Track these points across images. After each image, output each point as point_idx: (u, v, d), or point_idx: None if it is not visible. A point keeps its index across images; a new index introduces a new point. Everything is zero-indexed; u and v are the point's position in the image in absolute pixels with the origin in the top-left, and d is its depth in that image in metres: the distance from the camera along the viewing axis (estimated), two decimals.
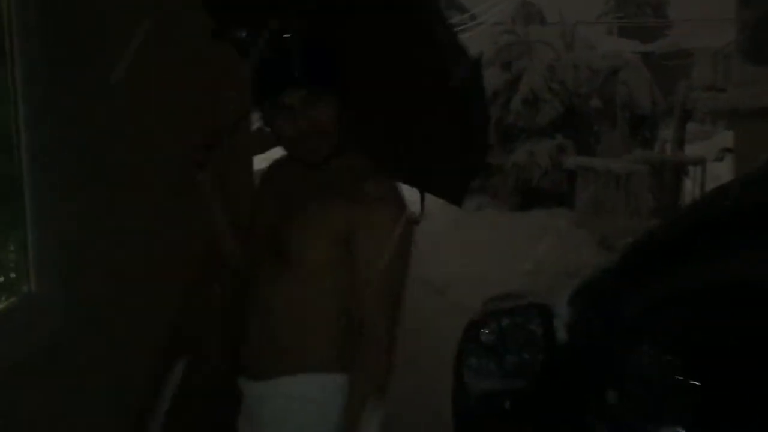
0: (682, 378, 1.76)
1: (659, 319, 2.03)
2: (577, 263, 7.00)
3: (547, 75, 9.20)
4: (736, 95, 6.94)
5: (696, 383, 1.73)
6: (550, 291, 2.91)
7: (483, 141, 1.71)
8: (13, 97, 1.62)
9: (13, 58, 1.62)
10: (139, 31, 1.90)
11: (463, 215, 11.22)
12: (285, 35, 1.44)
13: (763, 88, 6.54)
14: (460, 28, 27.04)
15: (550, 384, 2.13)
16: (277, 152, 1.69)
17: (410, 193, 1.60)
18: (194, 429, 2.44)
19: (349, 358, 1.52)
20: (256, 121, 2.38)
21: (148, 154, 2.20)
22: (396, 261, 1.49)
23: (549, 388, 2.11)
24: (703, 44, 28.85)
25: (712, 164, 8.31)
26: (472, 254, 8.26)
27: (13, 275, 1.68)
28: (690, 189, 8.22)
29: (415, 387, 4.70)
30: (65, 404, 1.71)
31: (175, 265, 2.46)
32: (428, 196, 1.61)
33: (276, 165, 1.72)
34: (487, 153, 2.10)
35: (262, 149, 4.44)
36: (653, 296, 2.12)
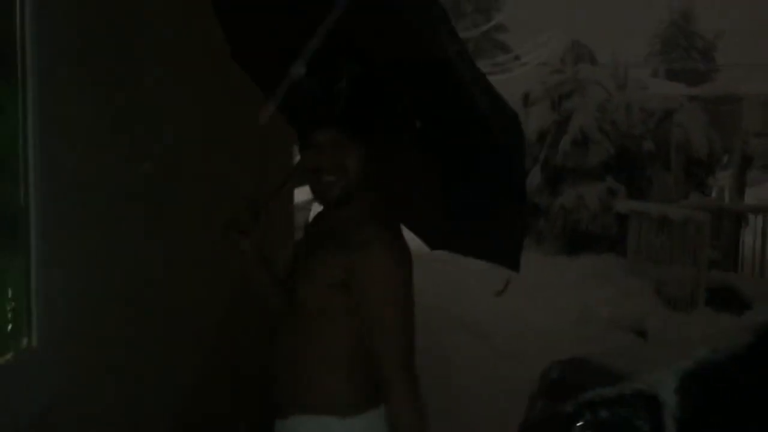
0: None
1: None
2: (631, 313, 6.61)
3: (598, 115, 8.89)
4: None
5: None
6: (633, 359, 2.56)
7: (523, 196, 1.72)
8: (22, 123, 1.42)
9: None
10: None
11: None
12: (337, 79, 1.54)
13: None
14: (503, 67, 26.93)
15: None
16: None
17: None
18: None
19: (376, 398, 1.58)
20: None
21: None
22: (396, 306, 1.54)
23: None
24: (753, 90, 28.22)
25: None
26: (516, 299, 7.90)
27: (10, 327, 1.45)
28: (750, 239, 7.77)
29: None
30: None
31: (189, 316, 2.33)
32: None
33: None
34: (527, 208, 1.95)
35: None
36: None
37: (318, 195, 1.64)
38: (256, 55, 1.88)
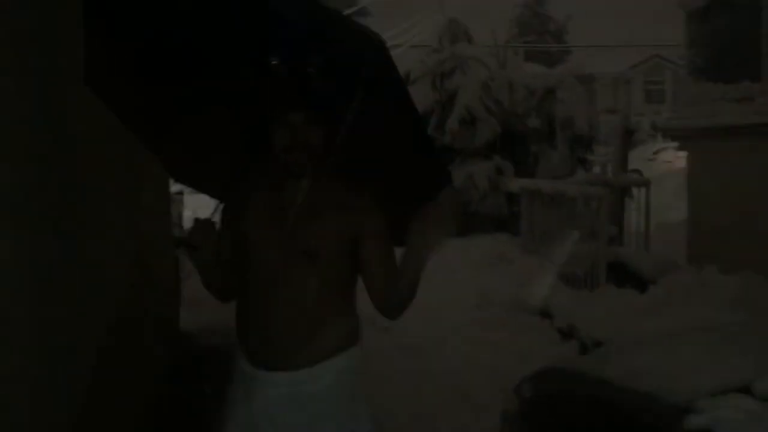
0: None
1: None
2: (530, 293, 6.49)
3: (482, 94, 8.75)
4: (689, 114, 6.65)
5: None
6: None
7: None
8: None
9: None
10: None
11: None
12: (307, 68, 1.86)
13: (719, 106, 6.28)
14: None
15: None
16: None
17: None
18: None
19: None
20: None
21: None
22: (391, 254, 1.95)
23: None
24: (602, 70, 29.74)
25: (660, 188, 8.04)
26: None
27: None
28: (633, 214, 7.90)
29: None
30: None
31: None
32: None
33: (247, 187, 2.04)
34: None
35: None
36: None
37: (289, 168, 1.94)
38: (114, 79, 2.06)
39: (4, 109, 1.94)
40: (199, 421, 4.05)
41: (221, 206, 2.09)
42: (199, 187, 2.52)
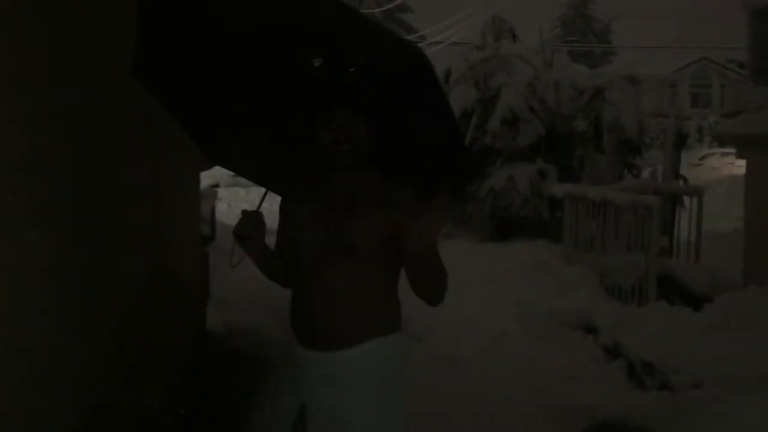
0: None
1: None
2: (575, 307, 6.11)
3: (527, 94, 8.38)
4: (749, 120, 6.21)
5: None
6: None
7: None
8: None
9: None
10: None
11: None
12: (350, 69, 1.98)
13: None
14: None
15: None
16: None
17: None
18: None
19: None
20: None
21: None
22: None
23: None
24: (649, 72, 28.97)
25: (708, 195, 7.59)
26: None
27: None
28: (685, 224, 7.46)
29: None
30: None
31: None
32: None
33: (299, 186, 2.18)
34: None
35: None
36: None
37: (334, 163, 2.04)
38: (165, 74, 2.16)
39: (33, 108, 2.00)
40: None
41: (267, 194, 2.27)
42: (242, 172, 2.57)
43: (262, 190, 2.33)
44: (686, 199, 7.53)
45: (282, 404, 2.16)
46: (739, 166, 26.86)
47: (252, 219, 2.11)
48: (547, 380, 5.05)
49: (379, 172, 2.09)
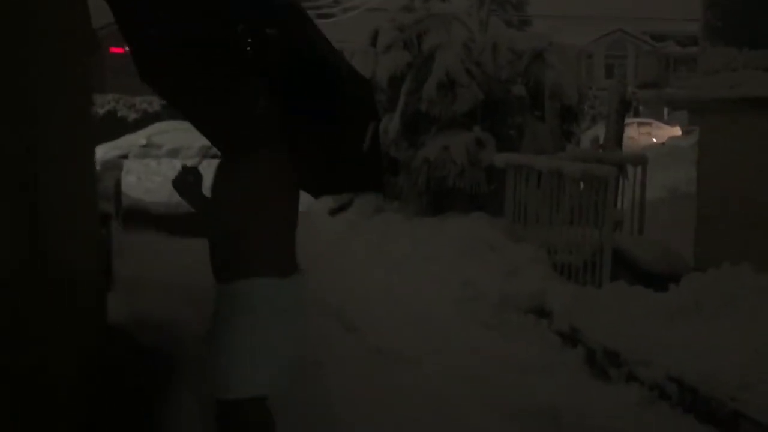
0: None
1: None
2: (524, 288, 5.60)
3: (463, 57, 7.77)
4: (704, 84, 5.80)
5: None
6: None
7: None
8: None
9: None
10: None
11: (357, 220, 9.48)
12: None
13: (740, 74, 5.44)
14: (319, 12, 25.21)
15: None
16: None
17: None
18: None
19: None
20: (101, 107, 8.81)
21: None
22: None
23: None
24: (565, 42, 28.85)
25: (653, 165, 7.21)
26: (384, 272, 6.65)
27: None
28: (628, 194, 7.07)
29: None
30: None
31: None
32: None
33: None
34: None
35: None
36: None
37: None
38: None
39: None
40: None
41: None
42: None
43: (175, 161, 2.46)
44: (630, 170, 7.15)
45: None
46: (653, 137, 27.06)
47: (189, 172, 2.53)
48: (499, 374, 4.52)
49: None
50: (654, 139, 24.29)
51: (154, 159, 17.47)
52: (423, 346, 4.93)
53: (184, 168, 2.52)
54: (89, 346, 4.07)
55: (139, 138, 18.38)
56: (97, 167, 9.26)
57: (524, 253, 5.86)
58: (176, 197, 2.62)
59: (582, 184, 5.75)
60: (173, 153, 17.37)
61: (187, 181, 2.50)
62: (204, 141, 3.04)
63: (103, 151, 14.26)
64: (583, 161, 6.62)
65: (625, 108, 6.99)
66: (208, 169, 2.62)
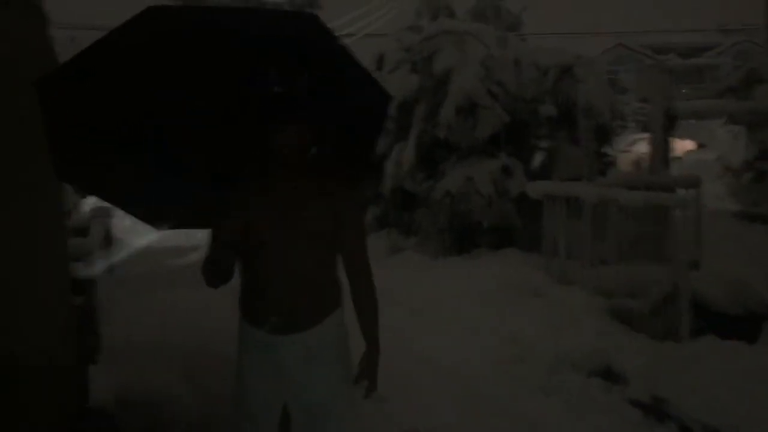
0: None
1: None
2: (582, 343, 4.69)
3: (482, 75, 6.95)
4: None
5: None
6: None
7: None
8: None
9: None
10: None
11: (372, 263, 8.50)
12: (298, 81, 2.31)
13: None
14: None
15: None
16: None
17: None
18: None
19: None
20: None
21: None
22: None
23: None
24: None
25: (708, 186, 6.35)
26: (404, 326, 5.72)
27: None
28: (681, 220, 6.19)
29: None
30: None
31: None
32: None
33: (244, 188, 2.40)
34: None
35: None
36: None
37: (286, 165, 2.32)
38: (84, 167, 2.43)
39: None
40: None
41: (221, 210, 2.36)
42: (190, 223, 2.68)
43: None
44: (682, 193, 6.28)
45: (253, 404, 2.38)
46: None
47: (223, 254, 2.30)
48: None
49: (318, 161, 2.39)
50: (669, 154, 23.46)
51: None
52: (467, 422, 4.01)
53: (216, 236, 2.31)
54: None
55: None
56: (86, 217, 8.41)
57: (577, 300, 4.97)
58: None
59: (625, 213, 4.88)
60: None
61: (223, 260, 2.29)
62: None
63: (95, 198, 13.42)
64: (629, 187, 5.78)
65: (671, 124, 6.17)
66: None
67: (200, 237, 2.59)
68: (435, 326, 5.52)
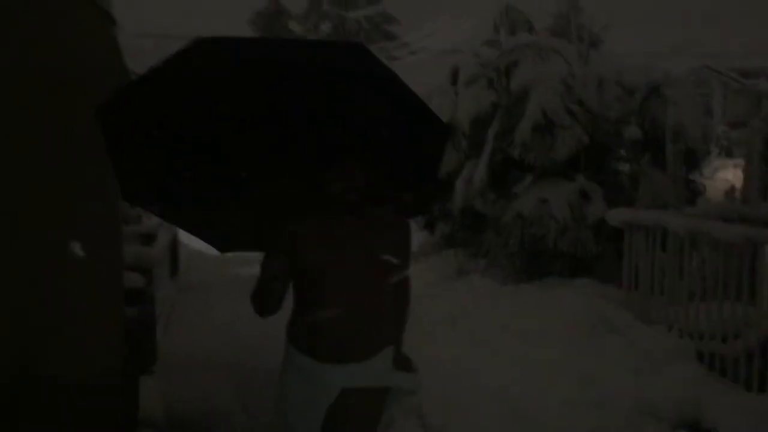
0: None
1: None
2: (674, 393, 4.22)
3: (562, 92, 6.57)
4: None
5: None
6: None
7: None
8: None
9: None
10: None
11: (435, 281, 8.14)
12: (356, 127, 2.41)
13: None
14: (387, 55, 24.59)
15: None
16: None
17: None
18: None
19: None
20: None
21: None
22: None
23: None
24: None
25: None
26: (468, 358, 5.36)
27: None
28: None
29: None
30: None
31: None
32: None
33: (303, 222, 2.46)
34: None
35: None
36: None
37: (346, 203, 2.37)
38: (148, 192, 2.49)
39: None
40: None
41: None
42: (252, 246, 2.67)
43: None
44: None
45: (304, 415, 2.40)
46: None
47: (276, 260, 2.32)
48: None
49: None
50: None
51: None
52: None
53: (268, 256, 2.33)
54: None
55: None
56: (155, 224, 8.38)
57: (662, 341, 4.52)
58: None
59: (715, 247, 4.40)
60: None
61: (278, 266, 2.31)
62: None
63: None
64: (722, 218, 5.29)
65: None
66: None
67: None
68: (501, 360, 5.15)
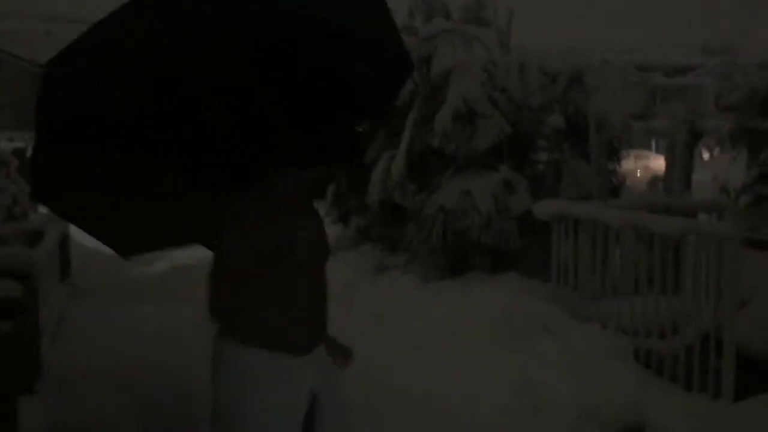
0: None
1: None
2: (616, 396, 3.97)
3: (483, 80, 6.29)
4: None
5: None
6: None
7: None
8: None
9: None
10: None
11: (355, 280, 7.73)
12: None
13: None
14: None
15: None
16: None
17: None
18: None
19: None
20: None
21: None
22: None
23: None
24: None
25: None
26: (392, 362, 4.97)
27: None
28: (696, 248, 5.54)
29: None
30: None
31: None
32: None
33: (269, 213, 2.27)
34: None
35: None
36: None
37: (319, 195, 2.40)
38: (65, 193, 2.36)
39: None
40: None
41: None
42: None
43: None
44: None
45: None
46: (652, 170, 25.42)
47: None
48: None
49: None
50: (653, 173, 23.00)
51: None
52: None
53: None
54: None
55: None
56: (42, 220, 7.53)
57: (598, 340, 4.29)
58: None
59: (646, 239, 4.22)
60: None
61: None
62: None
63: None
64: (649, 210, 5.14)
65: (696, 141, 5.55)
66: None
67: None
68: (425, 360, 4.79)
